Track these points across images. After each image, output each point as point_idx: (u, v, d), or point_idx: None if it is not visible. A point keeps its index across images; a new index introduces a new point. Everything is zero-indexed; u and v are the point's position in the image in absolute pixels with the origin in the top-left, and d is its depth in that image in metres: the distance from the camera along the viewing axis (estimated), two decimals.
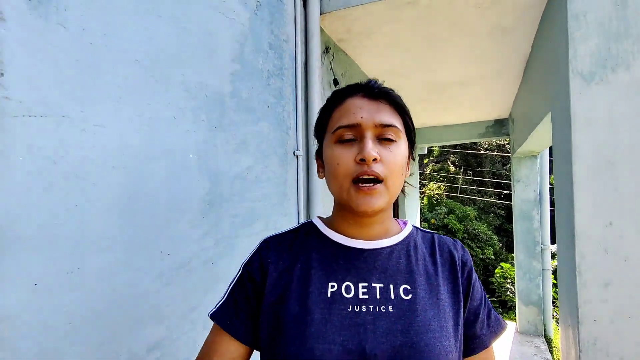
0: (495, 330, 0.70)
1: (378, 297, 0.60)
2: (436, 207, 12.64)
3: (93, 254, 0.89)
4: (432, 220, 11.89)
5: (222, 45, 1.33)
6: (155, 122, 1.06)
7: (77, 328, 0.85)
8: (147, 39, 1.05)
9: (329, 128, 0.65)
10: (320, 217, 0.72)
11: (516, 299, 4.33)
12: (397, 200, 4.30)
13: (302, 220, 1.81)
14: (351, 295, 0.60)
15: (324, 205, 1.87)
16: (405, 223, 0.73)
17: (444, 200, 13.93)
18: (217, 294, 1.26)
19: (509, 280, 8.23)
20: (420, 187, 15.88)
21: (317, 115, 0.71)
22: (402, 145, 0.63)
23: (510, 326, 4.45)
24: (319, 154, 0.70)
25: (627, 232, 1.36)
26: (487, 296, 0.72)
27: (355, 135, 0.61)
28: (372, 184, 0.59)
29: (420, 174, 16.32)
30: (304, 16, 1.87)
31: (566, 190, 1.52)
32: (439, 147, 15.55)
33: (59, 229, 0.83)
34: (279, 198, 1.65)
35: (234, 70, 1.38)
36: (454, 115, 4.33)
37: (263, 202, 1.54)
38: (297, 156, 1.77)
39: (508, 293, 8.09)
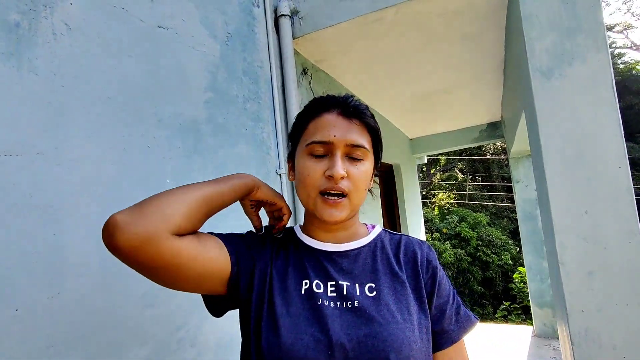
0: (465, 325, 0.73)
1: (345, 293, 0.66)
2: (447, 217, 12.52)
3: (72, 279, 0.95)
4: (444, 230, 11.76)
5: (193, 76, 1.42)
6: (129, 153, 1.14)
7: (59, 352, 0.90)
8: (119, 77, 1.14)
9: (303, 138, 0.71)
10: (300, 225, 0.80)
11: (530, 302, 4.23)
12: (397, 214, 4.30)
13: None
14: (321, 290, 0.67)
15: None
16: (373, 227, 0.80)
17: (455, 209, 13.80)
18: (203, 312, 1.29)
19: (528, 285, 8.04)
20: (430, 197, 15.78)
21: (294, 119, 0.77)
22: (367, 163, 0.70)
23: (527, 331, 4.34)
24: (292, 156, 0.77)
25: (603, 219, 1.37)
26: (456, 293, 0.76)
27: (326, 151, 0.68)
28: (337, 198, 0.66)
29: (429, 184, 16.24)
30: (277, 42, 1.97)
31: (542, 185, 1.54)
32: (445, 156, 15.53)
33: (39, 257, 0.89)
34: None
35: (207, 98, 1.47)
36: (446, 123, 4.38)
37: (247, 220, 1.59)
38: (279, 174, 1.83)
39: (529, 298, 7.89)
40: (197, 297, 1.29)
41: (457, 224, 11.85)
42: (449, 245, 11.16)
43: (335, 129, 0.67)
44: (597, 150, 1.39)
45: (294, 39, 2.04)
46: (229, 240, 0.71)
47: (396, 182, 4.41)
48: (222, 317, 1.34)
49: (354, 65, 2.51)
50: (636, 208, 1.34)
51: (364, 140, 0.68)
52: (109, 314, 1.02)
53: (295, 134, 0.75)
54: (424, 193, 15.37)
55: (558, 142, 1.45)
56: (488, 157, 15.20)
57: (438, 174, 16.68)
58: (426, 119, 4.12)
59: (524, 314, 8.90)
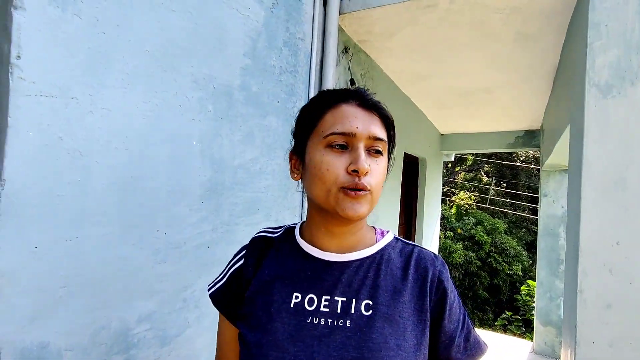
0: (473, 353, 0.69)
1: (338, 311, 0.62)
2: (464, 217, 12.30)
3: (91, 226, 0.97)
4: (459, 230, 11.59)
5: (234, 40, 1.39)
6: (161, 109, 1.14)
7: (71, 292, 0.93)
8: (159, 31, 1.13)
9: (318, 130, 0.64)
10: (303, 223, 0.73)
11: (534, 318, 4.16)
12: (415, 207, 4.24)
13: (305, 215, 1.84)
14: (313, 307, 0.63)
15: None
16: (383, 233, 0.73)
17: (474, 211, 13.53)
18: (211, 277, 1.32)
19: (534, 299, 7.91)
20: (449, 195, 15.50)
21: (299, 113, 0.70)
22: (384, 158, 0.66)
23: (527, 345, 4.29)
24: (297, 153, 0.69)
25: (635, 253, 1.30)
26: (467, 318, 0.70)
27: (347, 143, 0.62)
28: (360, 191, 0.60)
29: (451, 182, 15.93)
30: (322, 16, 1.90)
31: (575, 205, 1.47)
32: (472, 155, 15.11)
33: (61, 200, 0.91)
34: (283, 191, 1.69)
35: (244, 64, 1.44)
36: (481, 123, 4.22)
37: (266, 193, 1.59)
38: None
39: (533, 312, 7.77)
40: (206, 262, 1.31)
41: (473, 227, 11.64)
42: (461, 246, 11.01)
43: (357, 120, 0.62)
44: None
45: (340, 14, 1.97)
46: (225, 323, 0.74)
47: (419, 176, 4.33)
48: None
49: (397, 50, 2.41)
50: None
51: (383, 133, 0.65)
52: (121, 265, 1.05)
53: (305, 127, 0.67)
54: (444, 190, 15.11)
55: (601, 164, 1.36)
56: (517, 164, 14.70)
57: (462, 173, 16.31)
58: (460, 116, 3.98)
59: (524, 327, 8.81)
